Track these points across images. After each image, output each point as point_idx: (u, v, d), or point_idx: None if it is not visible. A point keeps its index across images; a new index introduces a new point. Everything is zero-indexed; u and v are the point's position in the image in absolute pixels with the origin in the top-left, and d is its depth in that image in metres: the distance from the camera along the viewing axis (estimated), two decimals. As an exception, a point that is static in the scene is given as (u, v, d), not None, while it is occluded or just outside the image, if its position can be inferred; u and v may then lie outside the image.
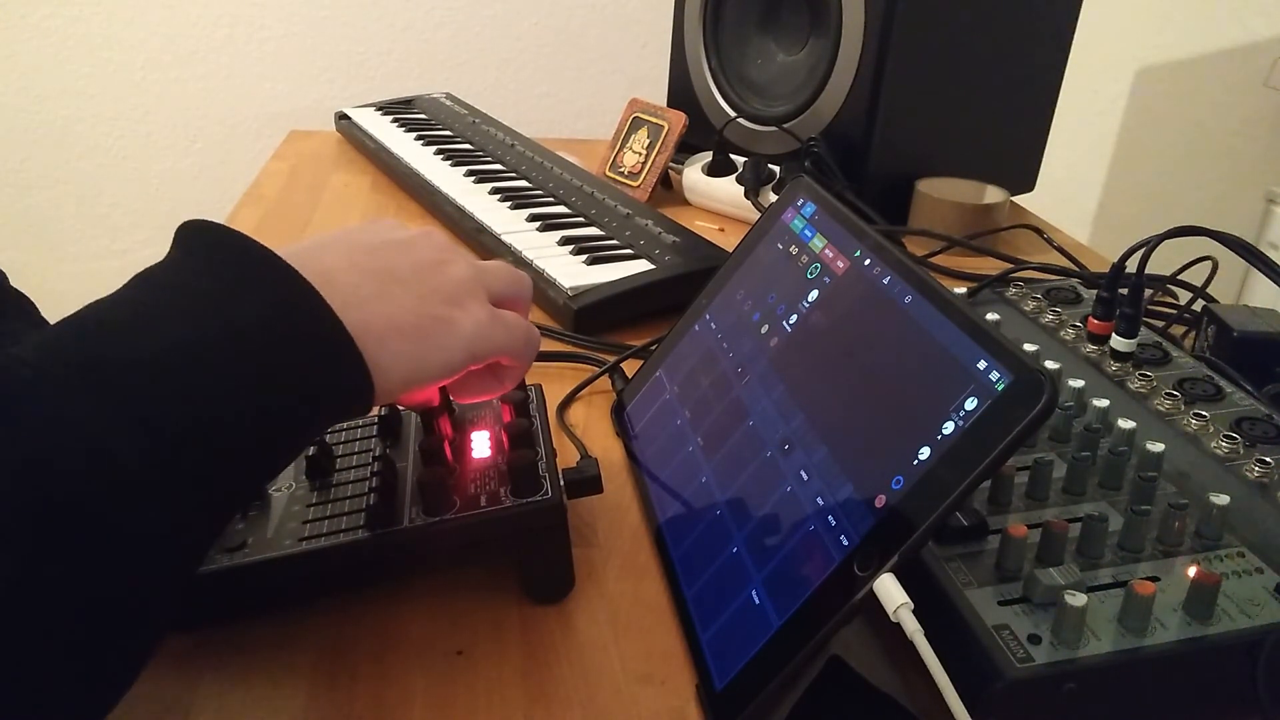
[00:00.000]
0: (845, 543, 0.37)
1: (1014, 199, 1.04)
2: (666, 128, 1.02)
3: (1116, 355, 0.58)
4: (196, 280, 0.33)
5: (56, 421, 0.27)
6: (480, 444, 0.47)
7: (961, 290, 0.70)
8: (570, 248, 0.80)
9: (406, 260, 0.40)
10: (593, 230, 0.85)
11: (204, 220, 0.34)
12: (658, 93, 1.18)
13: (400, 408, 0.51)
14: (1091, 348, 0.60)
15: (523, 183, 0.97)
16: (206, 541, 0.33)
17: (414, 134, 1.12)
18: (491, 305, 0.42)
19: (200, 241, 0.34)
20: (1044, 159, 1.09)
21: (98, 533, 0.27)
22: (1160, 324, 0.70)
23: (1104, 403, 0.51)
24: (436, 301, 0.39)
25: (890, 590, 0.34)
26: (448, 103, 1.26)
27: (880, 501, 0.37)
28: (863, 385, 0.42)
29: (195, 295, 0.32)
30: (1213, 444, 0.49)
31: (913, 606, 0.34)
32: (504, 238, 0.83)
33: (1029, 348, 0.58)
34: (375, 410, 0.50)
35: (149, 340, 0.30)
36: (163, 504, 0.29)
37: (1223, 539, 0.43)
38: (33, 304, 0.57)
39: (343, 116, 1.21)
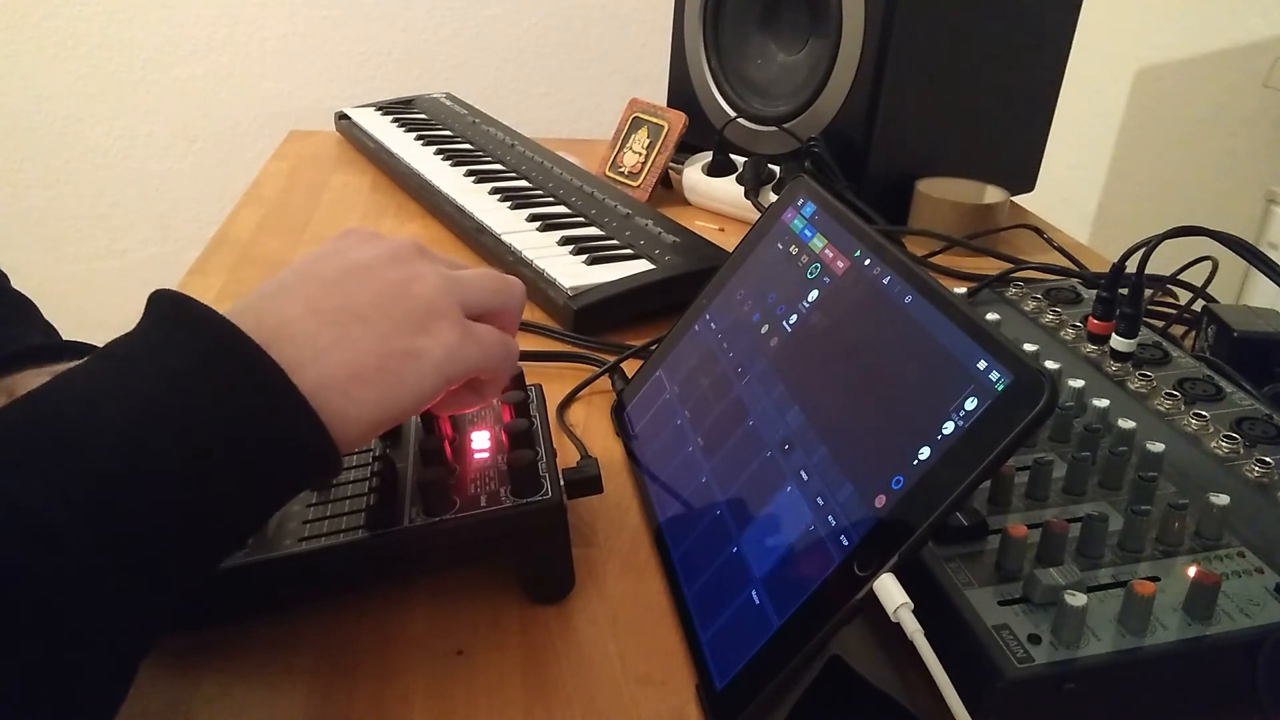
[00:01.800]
0: (845, 543, 0.37)
1: (1014, 199, 1.04)
2: (666, 128, 1.02)
3: (1116, 355, 0.58)
4: (157, 355, 0.32)
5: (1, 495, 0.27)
6: (480, 444, 0.47)
7: (961, 290, 0.70)
8: (570, 248, 0.80)
9: (368, 290, 0.38)
10: (593, 230, 0.85)
11: (171, 292, 0.34)
12: (658, 93, 1.18)
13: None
14: (1091, 348, 0.60)
15: (523, 183, 0.97)
16: (165, 613, 0.32)
17: (414, 134, 1.12)
18: (467, 319, 0.40)
19: (164, 315, 0.33)
20: (1044, 159, 1.09)
21: (38, 608, 0.27)
22: (1160, 324, 0.70)
23: (1104, 403, 0.51)
24: (401, 334, 0.37)
25: (890, 590, 0.34)
26: (448, 103, 1.26)
27: (880, 501, 0.37)
28: (863, 385, 0.42)
29: (154, 371, 0.32)
30: (1213, 444, 0.49)
31: (913, 606, 0.34)
32: (504, 238, 0.83)
33: (1029, 348, 0.58)
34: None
35: (104, 414, 0.30)
36: (110, 580, 0.29)
37: (1223, 539, 0.43)
38: (35, 307, 0.57)
39: (343, 116, 1.21)
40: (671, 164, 1.03)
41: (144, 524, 0.30)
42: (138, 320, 0.34)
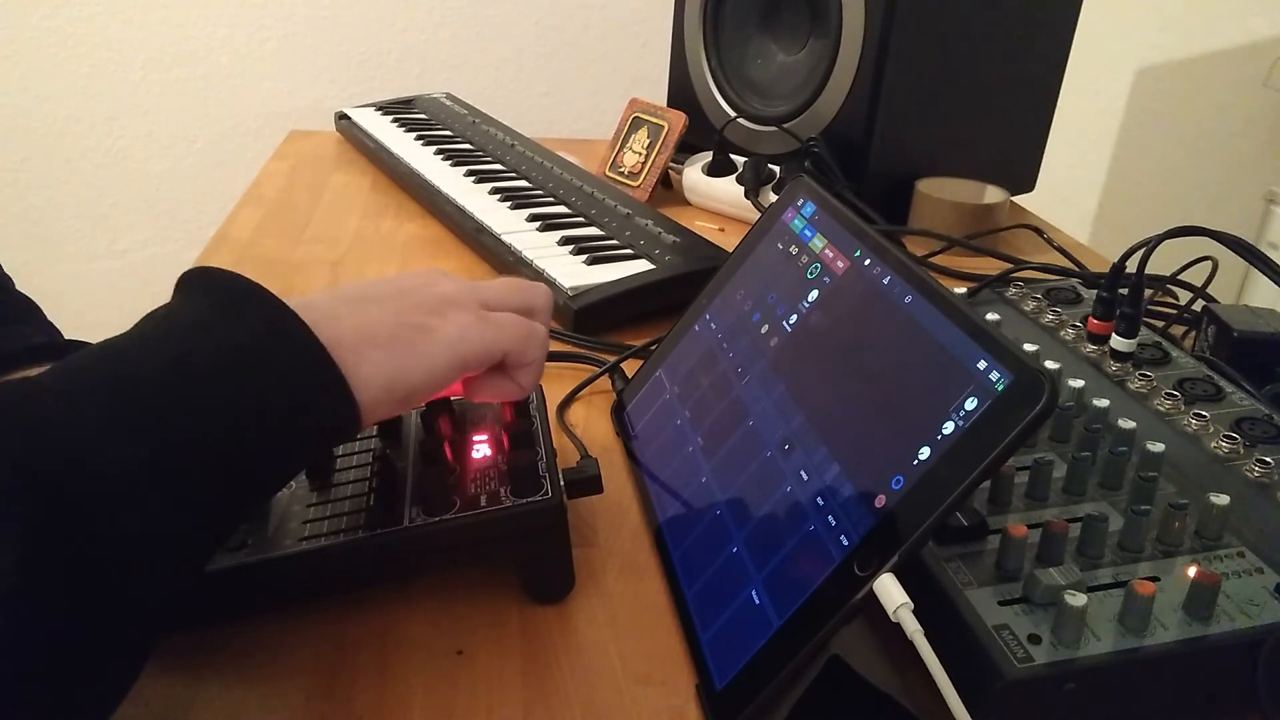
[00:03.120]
0: (845, 543, 0.37)
1: (1014, 199, 1.04)
2: (666, 128, 1.02)
3: (1116, 355, 0.58)
4: (191, 313, 0.35)
5: (55, 428, 0.29)
6: (480, 444, 0.47)
7: (961, 290, 0.70)
8: (570, 248, 0.80)
9: (389, 286, 0.41)
10: (593, 230, 0.85)
11: (203, 266, 0.36)
12: (658, 93, 1.18)
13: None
14: (1091, 348, 0.60)
15: (523, 183, 0.97)
16: (197, 550, 0.34)
17: (414, 134, 1.12)
18: (491, 313, 0.42)
19: (197, 283, 0.36)
20: (1044, 159, 1.09)
21: (87, 530, 0.28)
22: (1160, 324, 0.70)
23: (1104, 403, 0.51)
24: (415, 313, 0.39)
25: (890, 590, 0.34)
26: (448, 103, 1.26)
27: (880, 501, 0.37)
28: (863, 385, 0.42)
29: (188, 326, 0.34)
30: (1213, 444, 0.49)
31: (913, 606, 0.34)
32: (504, 238, 0.83)
33: (1029, 348, 0.58)
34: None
35: (145, 363, 0.32)
36: (149, 506, 0.30)
37: (1223, 539, 0.43)
38: (39, 308, 0.57)
39: (343, 116, 1.21)
40: (671, 164, 1.03)
41: (194, 478, 0.32)
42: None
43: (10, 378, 0.30)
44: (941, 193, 0.95)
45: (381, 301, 0.39)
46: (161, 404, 0.31)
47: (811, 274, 0.50)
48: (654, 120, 1.04)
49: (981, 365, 0.36)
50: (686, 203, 1.03)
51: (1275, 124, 1.77)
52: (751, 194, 0.96)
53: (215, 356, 0.33)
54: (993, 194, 0.96)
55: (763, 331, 0.51)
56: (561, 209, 0.90)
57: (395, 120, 1.17)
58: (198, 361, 0.33)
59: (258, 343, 0.34)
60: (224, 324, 0.34)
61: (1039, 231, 0.98)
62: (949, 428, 0.36)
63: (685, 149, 1.03)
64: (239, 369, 0.33)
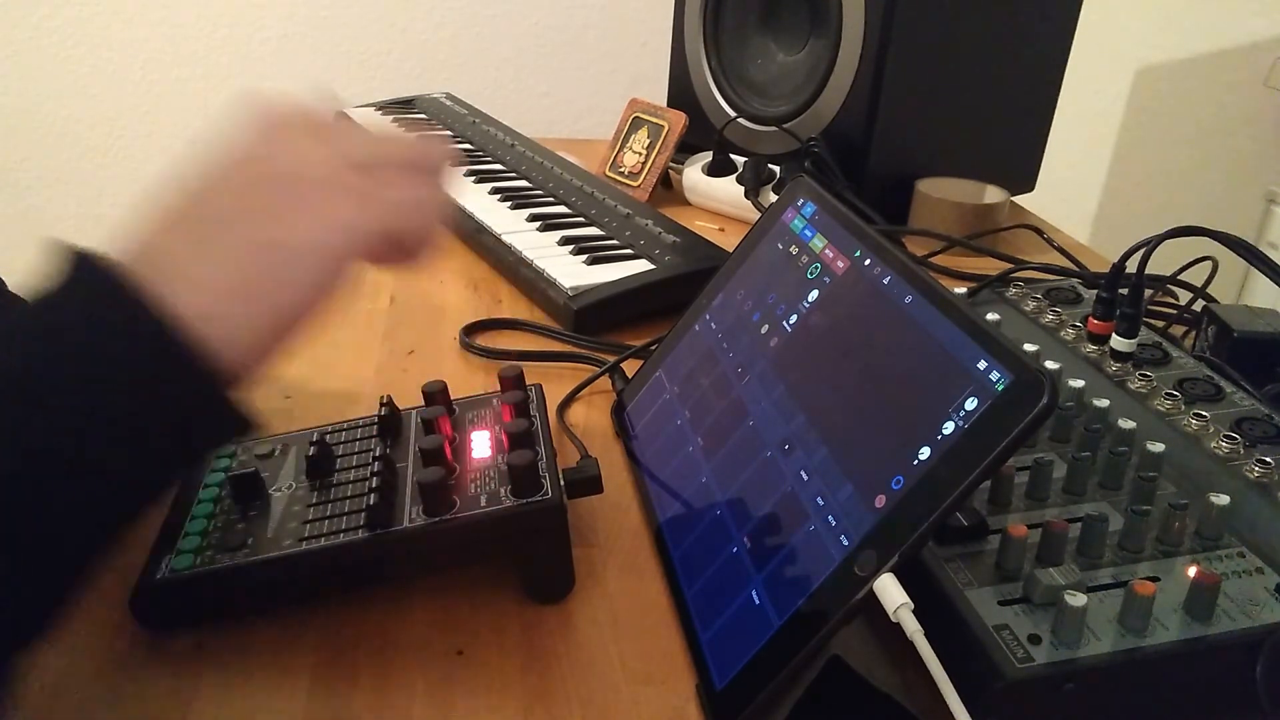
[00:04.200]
0: (845, 543, 0.37)
1: (1014, 199, 1.04)
2: (666, 128, 1.02)
3: (1116, 355, 0.58)
4: (46, 302, 0.32)
5: None
6: (480, 444, 0.47)
7: (961, 290, 0.70)
8: (570, 248, 0.80)
9: (226, 182, 0.34)
10: (593, 230, 0.85)
11: (65, 244, 0.32)
12: (658, 93, 1.18)
13: (399, 408, 0.51)
14: (1091, 348, 0.60)
15: (523, 183, 0.97)
16: (98, 534, 0.32)
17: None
18: (366, 178, 0.36)
19: (57, 265, 0.32)
20: (1044, 159, 1.09)
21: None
22: (1160, 324, 0.70)
23: (1104, 403, 0.51)
24: (266, 223, 0.33)
25: (890, 590, 0.34)
26: (448, 103, 1.26)
27: (880, 501, 0.37)
28: (863, 385, 0.42)
29: (44, 326, 0.31)
30: (1213, 444, 0.49)
31: (913, 606, 0.34)
32: (504, 238, 0.83)
33: (1029, 348, 0.58)
34: (376, 410, 0.50)
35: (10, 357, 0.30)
36: (27, 503, 0.29)
37: (1223, 539, 0.43)
38: None
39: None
40: (671, 164, 1.03)
41: (74, 478, 0.30)
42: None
43: None
44: (941, 193, 0.95)
45: (226, 222, 0.33)
46: (25, 402, 0.29)
47: (812, 274, 0.50)
48: (654, 120, 1.04)
49: (981, 365, 0.36)
50: (686, 203, 1.03)
51: (1275, 124, 1.77)
52: (751, 194, 0.96)
53: (76, 360, 0.30)
54: (993, 194, 0.96)
55: (763, 331, 0.51)
56: (561, 209, 0.90)
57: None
58: (57, 361, 0.30)
59: (120, 346, 0.31)
60: (78, 317, 0.31)
61: (1039, 231, 0.98)
62: (949, 428, 0.36)
63: (685, 149, 1.03)
64: (99, 372, 0.30)
